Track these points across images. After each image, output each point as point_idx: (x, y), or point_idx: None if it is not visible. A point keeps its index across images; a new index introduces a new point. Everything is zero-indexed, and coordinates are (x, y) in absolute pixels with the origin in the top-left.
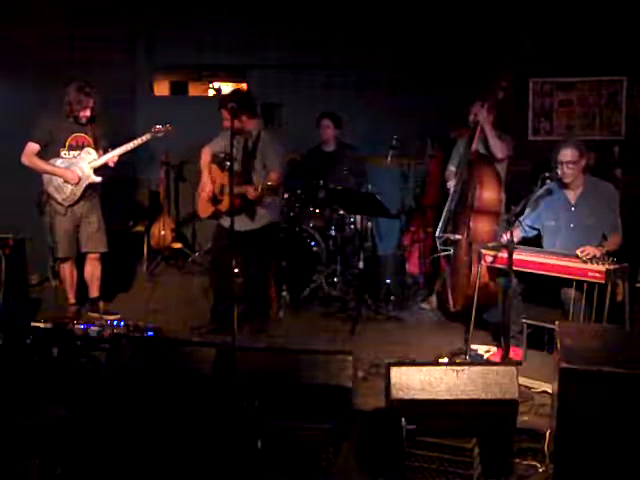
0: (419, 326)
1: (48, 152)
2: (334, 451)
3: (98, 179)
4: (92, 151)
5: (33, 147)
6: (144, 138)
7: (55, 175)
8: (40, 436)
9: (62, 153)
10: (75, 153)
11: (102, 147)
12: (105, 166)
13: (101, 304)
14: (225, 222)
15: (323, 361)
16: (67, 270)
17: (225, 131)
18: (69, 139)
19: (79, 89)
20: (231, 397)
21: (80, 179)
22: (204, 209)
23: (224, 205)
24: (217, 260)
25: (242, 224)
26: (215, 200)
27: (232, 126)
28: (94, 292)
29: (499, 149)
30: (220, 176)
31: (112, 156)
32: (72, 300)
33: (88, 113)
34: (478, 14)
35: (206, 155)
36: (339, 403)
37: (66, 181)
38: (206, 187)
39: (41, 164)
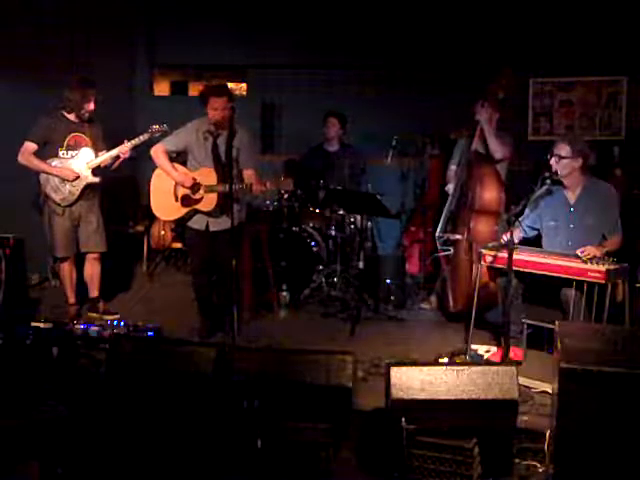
0: (419, 326)
1: (46, 152)
2: (334, 451)
3: (96, 179)
4: (90, 151)
5: (30, 146)
6: (141, 138)
7: (52, 174)
8: (40, 436)
9: (60, 153)
10: (73, 153)
11: (101, 147)
12: (104, 166)
13: (101, 304)
14: (198, 224)
15: (323, 361)
16: (66, 270)
17: (187, 127)
18: (67, 139)
19: (82, 82)
20: (231, 397)
21: (77, 177)
22: (173, 211)
23: (205, 204)
24: (201, 265)
25: (220, 224)
26: (187, 200)
27: (231, 124)
28: (94, 292)
29: (498, 150)
30: (190, 175)
31: (109, 156)
32: (72, 300)
33: (92, 106)
34: (478, 14)
35: (163, 154)
36: (339, 403)
37: (64, 180)
38: (172, 187)
39: (38, 163)
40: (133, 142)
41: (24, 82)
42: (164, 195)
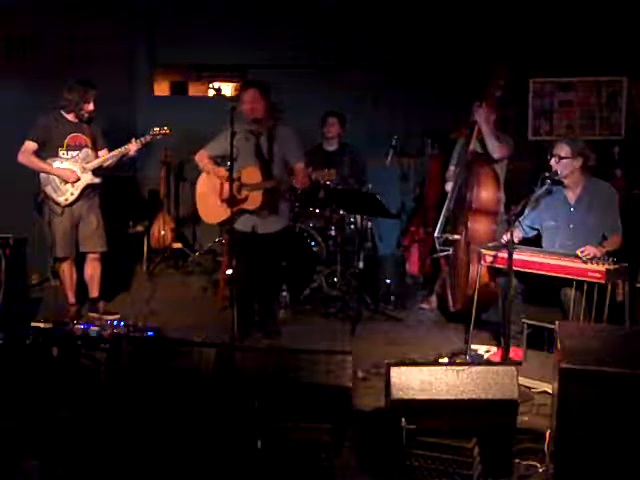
0: (419, 326)
1: (46, 151)
2: (334, 451)
3: (97, 180)
4: (90, 152)
5: (30, 145)
6: (142, 140)
7: (52, 174)
8: (40, 436)
9: (60, 153)
10: (73, 153)
11: (101, 147)
12: (106, 166)
13: (101, 304)
14: (244, 226)
15: (323, 361)
16: (66, 270)
17: (227, 129)
18: (67, 139)
19: (81, 83)
20: (231, 397)
21: (78, 178)
22: (220, 213)
23: (251, 202)
24: (246, 270)
25: (268, 227)
26: (232, 201)
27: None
28: (94, 292)
29: (496, 149)
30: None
31: (111, 157)
32: (72, 300)
33: (92, 107)
34: (478, 14)
35: (206, 159)
36: (339, 403)
37: (64, 181)
38: (218, 189)
39: (38, 163)
40: (132, 146)
41: (24, 82)
42: (209, 199)
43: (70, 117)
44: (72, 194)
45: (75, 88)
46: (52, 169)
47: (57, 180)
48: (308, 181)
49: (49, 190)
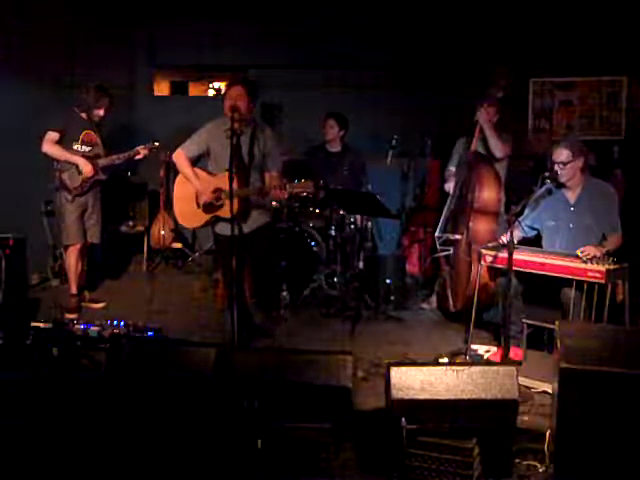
0: (419, 326)
1: (62, 144)
2: (334, 451)
3: (103, 177)
4: (102, 150)
5: (53, 135)
6: (149, 146)
7: (74, 162)
8: (40, 436)
9: (75, 147)
10: (87, 148)
11: (107, 147)
12: (111, 165)
13: (86, 293)
14: (223, 230)
15: (323, 361)
16: (73, 257)
17: (207, 127)
18: (82, 134)
19: (98, 89)
20: (231, 397)
21: (94, 171)
22: (196, 218)
23: (227, 210)
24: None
25: (251, 225)
26: (210, 207)
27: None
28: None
29: (498, 148)
30: (212, 180)
31: (119, 159)
32: (74, 290)
33: (102, 112)
34: (478, 13)
35: (185, 160)
36: (339, 403)
37: (79, 171)
38: (194, 194)
39: (62, 151)
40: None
41: (24, 82)
42: (186, 202)
43: (83, 115)
44: (84, 184)
45: (91, 90)
46: (74, 158)
47: (73, 169)
48: (282, 195)
49: (65, 177)
